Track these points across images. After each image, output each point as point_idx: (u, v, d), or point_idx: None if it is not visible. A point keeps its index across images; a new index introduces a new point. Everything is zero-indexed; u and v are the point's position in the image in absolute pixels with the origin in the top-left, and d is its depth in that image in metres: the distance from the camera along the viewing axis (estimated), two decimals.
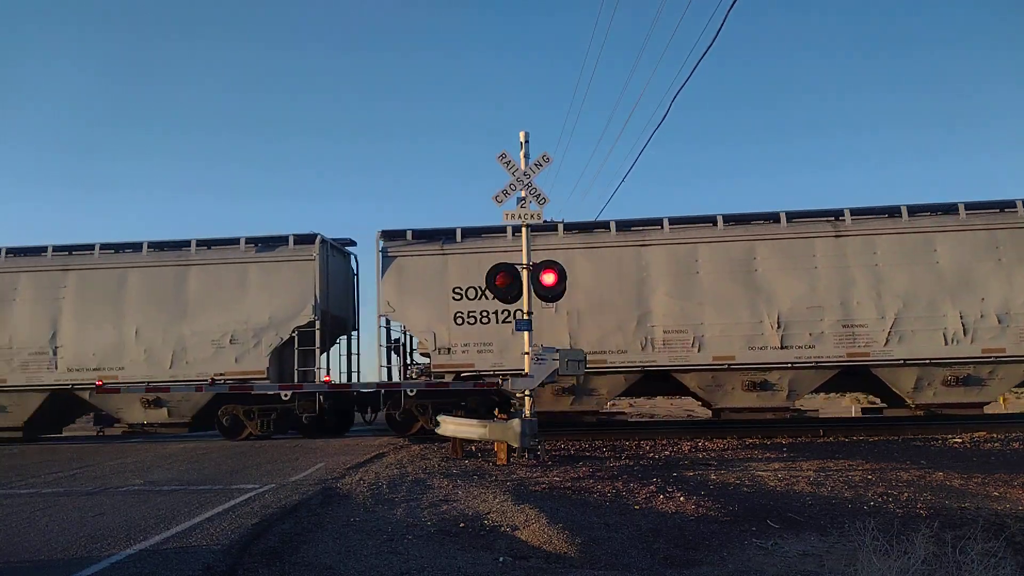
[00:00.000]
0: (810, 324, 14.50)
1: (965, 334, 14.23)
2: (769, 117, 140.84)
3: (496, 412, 11.29)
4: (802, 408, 20.80)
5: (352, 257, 18.17)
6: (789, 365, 14.50)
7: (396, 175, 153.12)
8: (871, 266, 14.61)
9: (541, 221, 11.74)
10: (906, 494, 7.40)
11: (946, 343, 14.24)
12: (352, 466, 10.46)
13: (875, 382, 15.03)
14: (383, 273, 15.55)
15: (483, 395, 15.18)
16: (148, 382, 15.48)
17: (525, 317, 11.19)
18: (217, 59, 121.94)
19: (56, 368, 15.98)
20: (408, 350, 16.79)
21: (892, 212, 15.01)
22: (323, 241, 16.23)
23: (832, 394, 25.88)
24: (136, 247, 16.61)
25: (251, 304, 15.84)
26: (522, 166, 11.26)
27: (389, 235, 15.80)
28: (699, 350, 14.63)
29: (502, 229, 15.55)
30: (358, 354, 18.16)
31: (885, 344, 14.36)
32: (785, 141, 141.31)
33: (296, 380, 15.69)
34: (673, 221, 15.37)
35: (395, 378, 16.30)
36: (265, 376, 15.60)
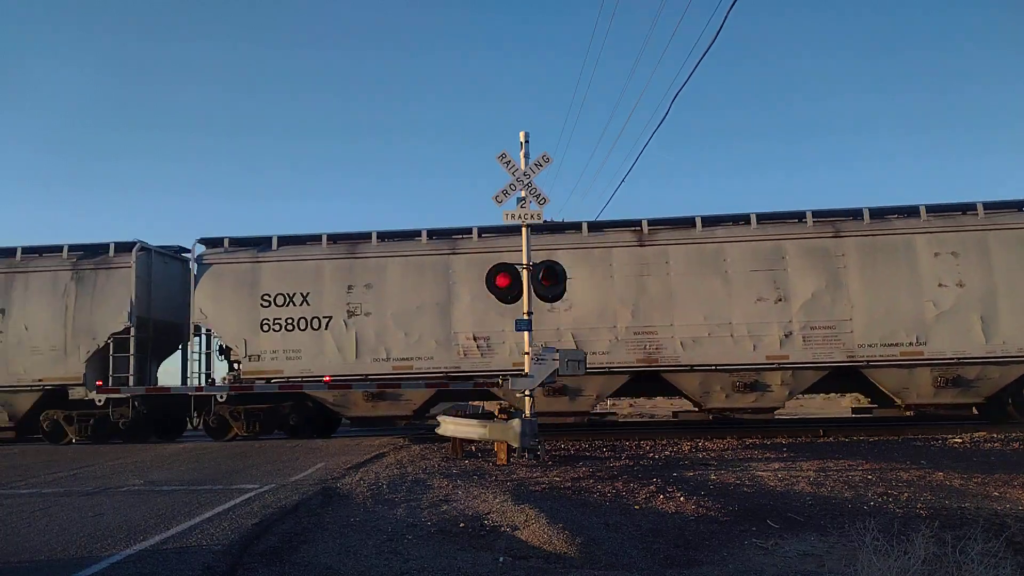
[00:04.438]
0: None
1: None
2: (769, 117, 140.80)
3: (496, 412, 11.29)
4: None
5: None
6: None
7: (396, 175, 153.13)
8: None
9: (541, 221, 11.75)
10: (906, 494, 7.40)
11: None
12: (352, 466, 10.45)
13: None
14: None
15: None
16: None
17: (525, 317, 11.18)
18: (217, 59, 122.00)
19: None
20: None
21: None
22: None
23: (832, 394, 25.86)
24: None
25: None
26: (522, 166, 11.26)
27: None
28: None
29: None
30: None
31: None
32: (785, 141, 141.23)
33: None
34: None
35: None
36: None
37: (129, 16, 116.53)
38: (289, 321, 15.28)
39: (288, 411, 15.57)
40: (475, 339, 14.90)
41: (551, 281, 11.17)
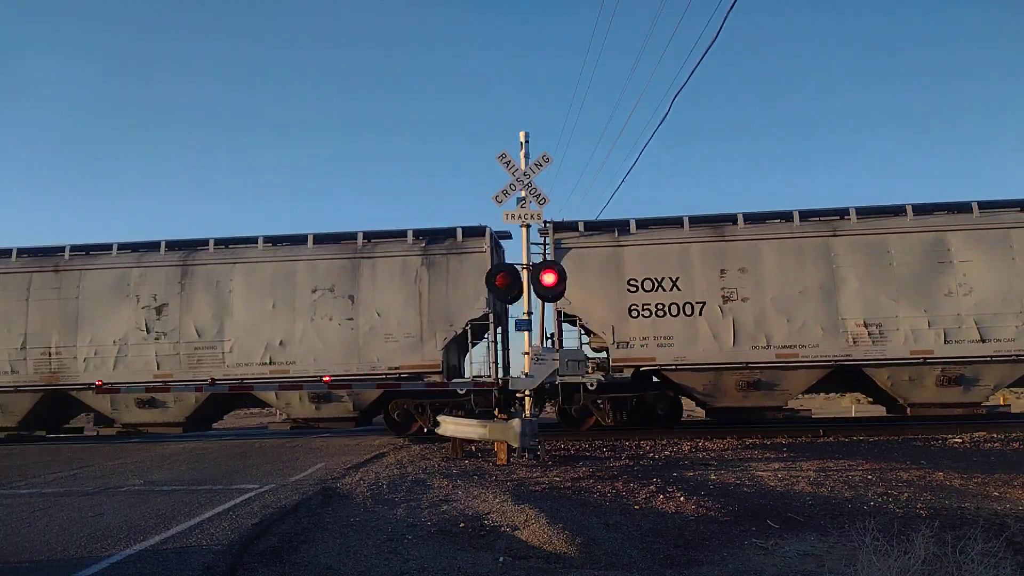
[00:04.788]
0: None
1: None
2: (769, 117, 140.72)
3: (497, 412, 11.30)
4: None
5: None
6: None
7: (396, 175, 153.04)
8: None
9: (541, 221, 11.76)
10: (906, 494, 7.40)
11: None
12: (352, 466, 10.45)
13: None
14: None
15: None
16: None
17: (525, 317, 11.19)
18: (217, 59, 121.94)
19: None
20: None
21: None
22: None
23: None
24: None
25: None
26: (522, 166, 11.28)
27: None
28: None
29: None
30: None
31: None
32: (785, 141, 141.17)
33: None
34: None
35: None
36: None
37: (129, 16, 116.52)
38: (659, 307, 14.85)
39: (652, 400, 15.23)
40: (865, 325, 14.31)
41: (551, 281, 11.17)
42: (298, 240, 16.09)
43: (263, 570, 5.00)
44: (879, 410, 18.30)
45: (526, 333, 11.27)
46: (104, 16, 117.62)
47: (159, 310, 15.60)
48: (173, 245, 16.22)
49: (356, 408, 15.48)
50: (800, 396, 15.52)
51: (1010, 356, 14.05)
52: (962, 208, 14.85)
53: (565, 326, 15.47)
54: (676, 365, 14.57)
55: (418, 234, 15.88)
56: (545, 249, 15.22)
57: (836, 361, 14.34)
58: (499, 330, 15.95)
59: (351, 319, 15.27)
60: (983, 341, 14.05)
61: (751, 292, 14.60)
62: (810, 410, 17.51)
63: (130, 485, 9.18)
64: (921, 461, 10.00)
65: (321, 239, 16.00)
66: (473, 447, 12.44)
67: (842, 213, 15.02)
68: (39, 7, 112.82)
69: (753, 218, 15.19)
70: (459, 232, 15.76)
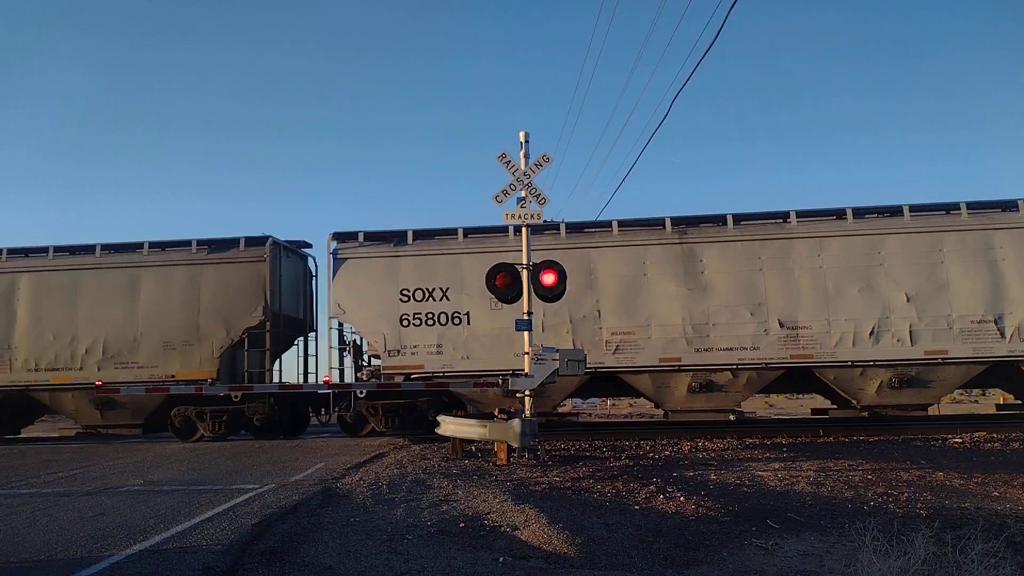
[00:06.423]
0: None
1: None
2: (769, 117, 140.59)
3: (496, 412, 11.30)
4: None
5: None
6: None
7: (396, 176, 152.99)
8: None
9: (541, 221, 11.75)
10: (906, 494, 7.40)
11: None
12: (352, 466, 10.46)
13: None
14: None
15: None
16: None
17: (525, 317, 11.19)
18: (217, 59, 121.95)
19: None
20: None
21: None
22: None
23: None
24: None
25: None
26: (522, 166, 11.26)
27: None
28: None
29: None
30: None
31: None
32: (785, 141, 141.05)
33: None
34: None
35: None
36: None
37: (129, 16, 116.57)
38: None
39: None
40: None
41: (552, 281, 11.16)
42: None
43: (263, 570, 5.00)
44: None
45: (525, 333, 11.25)
46: (104, 16, 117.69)
47: None
48: None
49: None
50: None
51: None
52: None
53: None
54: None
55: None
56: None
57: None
58: None
59: None
60: None
61: None
62: None
63: (130, 485, 9.18)
64: (921, 461, 10.01)
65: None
66: (473, 447, 12.43)
67: None
68: (39, 7, 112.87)
69: None
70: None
